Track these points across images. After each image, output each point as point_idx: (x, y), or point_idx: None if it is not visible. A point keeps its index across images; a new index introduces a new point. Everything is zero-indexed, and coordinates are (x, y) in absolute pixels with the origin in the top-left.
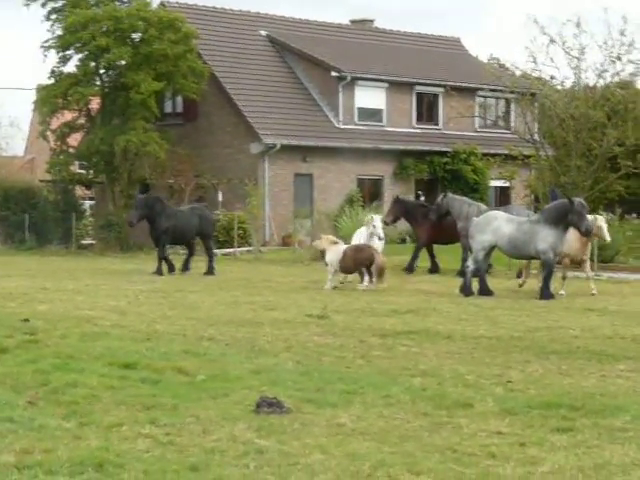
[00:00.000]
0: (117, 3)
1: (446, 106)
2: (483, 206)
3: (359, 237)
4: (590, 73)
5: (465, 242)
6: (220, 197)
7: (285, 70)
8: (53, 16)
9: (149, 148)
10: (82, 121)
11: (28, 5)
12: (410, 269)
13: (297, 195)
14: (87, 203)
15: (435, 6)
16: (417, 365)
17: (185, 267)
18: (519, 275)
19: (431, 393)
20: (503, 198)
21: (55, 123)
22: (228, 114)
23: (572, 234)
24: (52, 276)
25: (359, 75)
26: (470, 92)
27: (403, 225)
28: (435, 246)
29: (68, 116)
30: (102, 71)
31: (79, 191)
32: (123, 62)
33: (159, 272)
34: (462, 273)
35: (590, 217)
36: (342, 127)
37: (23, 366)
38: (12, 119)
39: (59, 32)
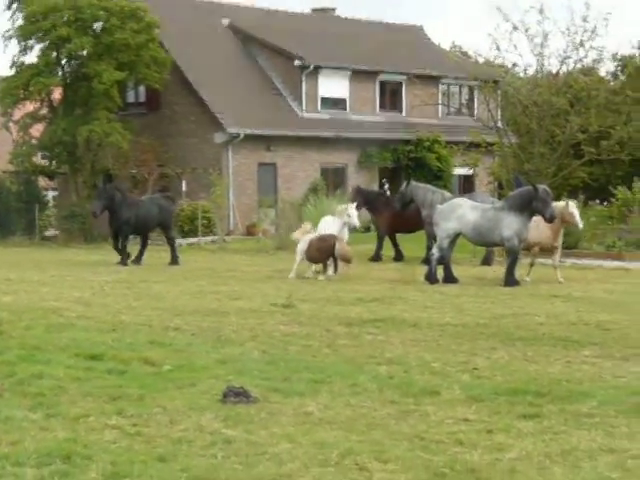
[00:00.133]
0: None
1: (409, 94)
2: (447, 194)
3: (325, 226)
4: (553, 60)
5: (430, 230)
6: (184, 187)
7: (248, 59)
8: (14, 5)
9: (112, 138)
10: (44, 112)
11: None
12: (377, 258)
13: (261, 184)
14: (50, 194)
15: None
16: (383, 353)
17: (139, 259)
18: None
19: (398, 381)
20: (467, 185)
21: (17, 114)
22: (191, 104)
23: (543, 222)
24: (16, 267)
25: (322, 64)
26: (433, 80)
27: (364, 215)
28: (398, 235)
29: (30, 107)
30: (64, 61)
31: (42, 182)
32: (85, 52)
33: (124, 263)
34: (427, 261)
35: (562, 203)
36: (305, 116)
37: None
38: None
39: (20, 22)
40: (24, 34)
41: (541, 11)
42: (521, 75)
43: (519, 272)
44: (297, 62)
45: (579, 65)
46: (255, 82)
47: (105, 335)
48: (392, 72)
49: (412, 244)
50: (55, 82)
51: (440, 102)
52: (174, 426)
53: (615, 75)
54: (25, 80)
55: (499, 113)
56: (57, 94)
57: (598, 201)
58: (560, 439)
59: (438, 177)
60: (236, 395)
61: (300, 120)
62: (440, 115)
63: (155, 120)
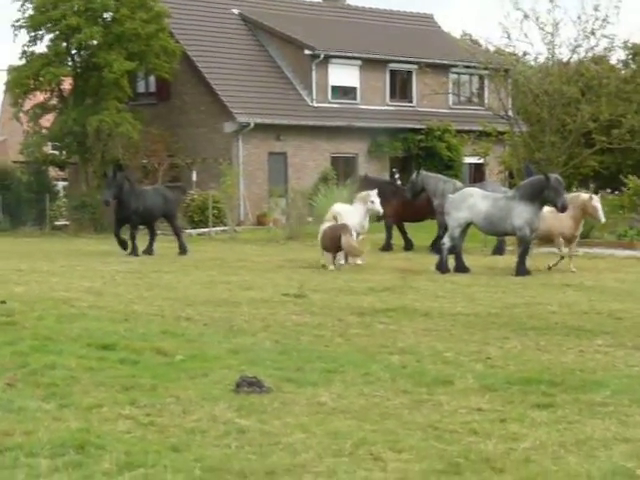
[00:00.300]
0: None
1: (420, 83)
2: (458, 183)
3: (348, 214)
4: (564, 48)
5: (441, 219)
6: (194, 177)
7: (258, 49)
8: None
9: (122, 128)
10: (54, 102)
11: None
12: (388, 247)
13: (271, 174)
14: (60, 184)
15: None
16: (395, 343)
17: (150, 249)
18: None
19: (410, 370)
20: (477, 175)
21: (27, 104)
22: (201, 93)
23: (567, 214)
24: (27, 258)
25: (332, 53)
26: (444, 69)
27: None
28: (407, 223)
29: (40, 97)
30: (74, 51)
31: (52, 172)
32: (95, 42)
33: (134, 253)
34: (435, 249)
35: (586, 196)
36: (316, 105)
37: (1, 348)
38: None
39: (30, 12)
40: (34, 24)
41: (552, 0)
42: (532, 64)
43: (571, 264)
44: (307, 51)
45: (590, 54)
46: (265, 71)
47: (117, 325)
48: (402, 61)
49: (422, 233)
50: (65, 72)
51: (450, 91)
52: (187, 416)
53: (626, 63)
54: (35, 70)
55: (510, 102)
56: (67, 84)
57: (609, 190)
58: (574, 428)
59: (449, 166)
60: (249, 385)
61: (310, 109)
62: (451, 104)
63: (165, 110)
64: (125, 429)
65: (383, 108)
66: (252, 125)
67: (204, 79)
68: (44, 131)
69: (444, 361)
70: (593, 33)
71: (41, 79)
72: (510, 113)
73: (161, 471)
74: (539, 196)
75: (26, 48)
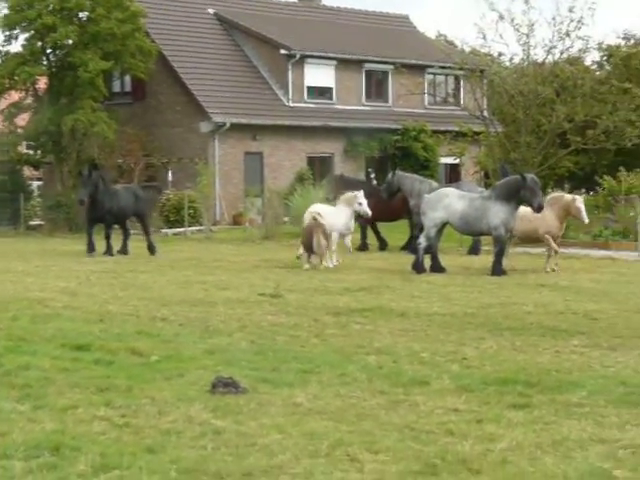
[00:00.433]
0: None
1: (395, 83)
2: (434, 183)
3: (334, 216)
4: (539, 49)
5: (417, 219)
6: (170, 176)
7: (234, 48)
8: None
9: (97, 128)
10: (29, 101)
11: None
12: (363, 247)
13: (247, 174)
14: (35, 184)
15: None
16: (372, 343)
17: (125, 249)
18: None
19: (387, 371)
20: (453, 175)
21: (3, 104)
22: (177, 93)
23: (551, 212)
24: (1, 257)
25: (308, 53)
26: (419, 69)
27: None
28: (381, 223)
29: (15, 96)
30: (49, 50)
31: (27, 172)
32: (70, 41)
33: (109, 252)
34: (409, 249)
35: (569, 196)
36: (292, 105)
37: None
38: None
39: (5, 11)
40: (9, 23)
41: (527, 1)
42: (507, 64)
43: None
44: (283, 51)
45: (565, 55)
46: (241, 71)
47: (92, 325)
48: (378, 61)
49: (396, 233)
50: (40, 71)
51: (426, 91)
52: (163, 417)
53: (601, 65)
54: (10, 69)
55: (485, 102)
56: (42, 83)
57: (584, 190)
58: (551, 429)
59: (424, 166)
60: (225, 385)
61: (286, 109)
62: (426, 104)
63: (141, 110)
64: (100, 430)
65: (359, 108)
66: (228, 125)
67: (180, 79)
68: (19, 130)
69: (420, 361)
70: (568, 34)
71: (16, 78)
72: (486, 113)
73: (136, 473)
74: (515, 196)
75: (1, 47)
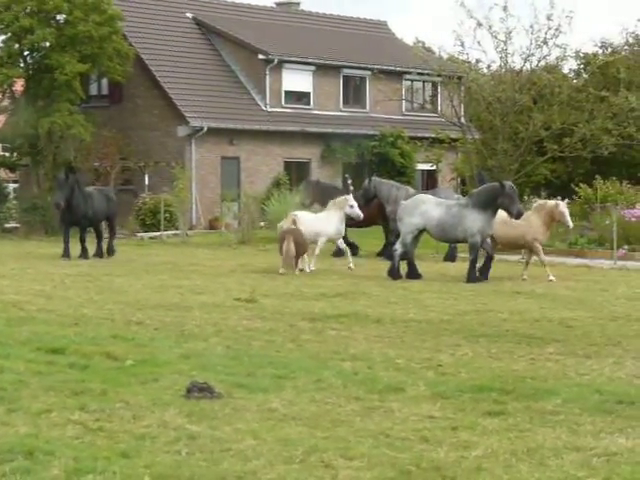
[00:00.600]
0: None
1: (373, 89)
2: (411, 189)
3: (325, 222)
4: (517, 57)
5: (394, 226)
6: (147, 180)
7: (211, 53)
8: None
9: (74, 130)
10: (6, 103)
11: None
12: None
13: (224, 178)
14: (11, 186)
15: None
16: (347, 349)
17: (103, 251)
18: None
19: (362, 377)
20: (430, 181)
21: None
22: (154, 97)
23: (538, 220)
24: None
25: (286, 58)
26: (397, 75)
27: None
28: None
29: None
30: (26, 53)
31: (3, 174)
32: (47, 44)
33: (84, 256)
34: (385, 255)
35: (552, 202)
36: (269, 110)
37: None
38: None
39: None
40: None
41: (505, 8)
42: (485, 71)
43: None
44: (261, 56)
45: (542, 62)
46: (219, 76)
47: (67, 329)
48: (356, 67)
49: (370, 239)
50: (17, 74)
51: (404, 98)
52: (137, 422)
53: (578, 73)
54: None
55: (463, 109)
56: (19, 86)
57: (560, 198)
58: (525, 437)
59: (401, 173)
60: (200, 390)
61: (264, 114)
62: (404, 110)
63: (118, 113)
64: (74, 434)
65: (336, 114)
66: (205, 129)
67: (157, 82)
68: None
69: (396, 368)
70: (546, 42)
71: None
72: (463, 120)
73: (110, 477)
74: (493, 203)
75: None
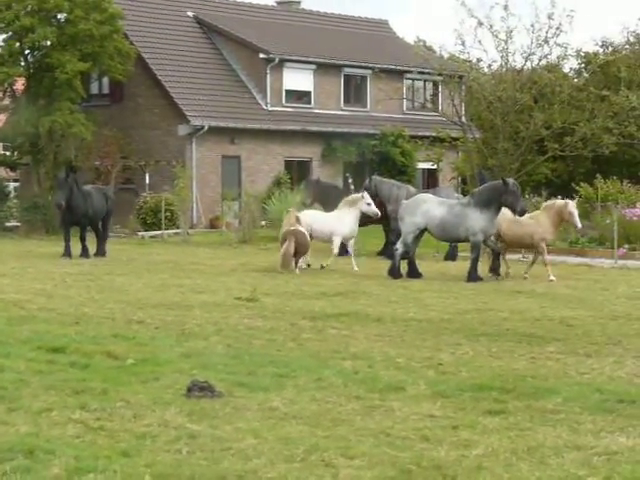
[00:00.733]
0: None
1: (374, 88)
2: (412, 188)
3: (340, 221)
4: (517, 56)
5: (395, 225)
6: (147, 179)
7: (213, 52)
8: None
9: (75, 129)
10: (7, 102)
11: None
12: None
13: (225, 177)
14: (12, 185)
15: None
16: (348, 348)
17: (101, 251)
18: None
19: (363, 376)
20: (431, 180)
21: None
22: (155, 95)
23: (546, 218)
24: None
25: (287, 57)
26: (398, 74)
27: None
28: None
29: None
30: (27, 51)
31: (3, 173)
32: (48, 42)
33: (85, 255)
34: (386, 254)
35: (562, 202)
36: (270, 109)
37: None
38: None
39: None
40: None
41: (506, 7)
42: (485, 71)
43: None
44: (262, 55)
45: (543, 61)
46: (220, 75)
47: (67, 328)
48: (357, 66)
49: (372, 238)
50: (18, 72)
51: (405, 97)
52: (138, 421)
53: (579, 72)
54: None
55: (463, 108)
56: (20, 85)
57: (561, 197)
58: (526, 436)
59: (402, 172)
60: (200, 389)
61: (265, 113)
62: (405, 110)
63: (118, 112)
64: (75, 433)
65: (337, 113)
66: (206, 128)
67: (158, 81)
68: None
69: (396, 367)
70: (547, 41)
71: None
72: (464, 119)
73: (111, 476)
74: (496, 202)
75: None
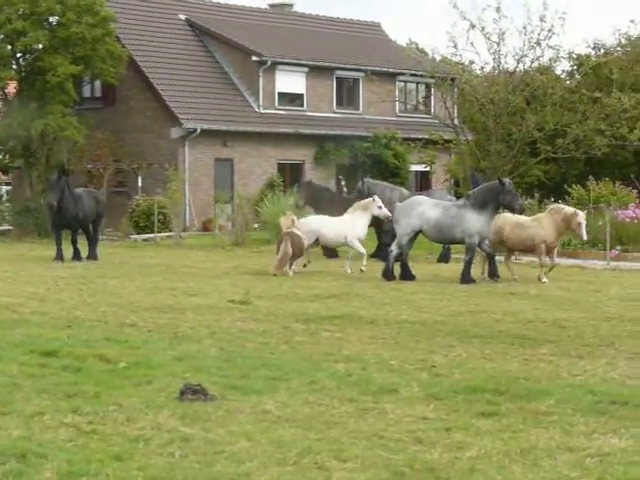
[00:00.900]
0: None
1: (366, 91)
2: (405, 191)
3: (352, 225)
4: (510, 58)
5: (388, 227)
6: (140, 182)
7: (205, 54)
8: None
9: (67, 132)
10: None
11: None
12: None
13: (218, 180)
14: (4, 188)
15: None
16: (341, 350)
17: (93, 254)
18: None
19: (356, 379)
20: (424, 183)
21: None
22: (147, 99)
23: (550, 222)
24: None
25: (279, 60)
26: (390, 77)
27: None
28: None
29: None
30: (19, 55)
31: None
32: (40, 45)
33: (77, 258)
34: (379, 256)
35: (571, 210)
36: (262, 112)
37: None
38: None
39: None
40: None
41: (498, 10)
42: (478, 73)
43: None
44: (254, 57)
45: (535, 64)
46: (212, 77)
47: (60, 331)
48: (349, 69)
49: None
50: (10, 75)
51: (397, 99)
52: (131, 424)
53: (571, 74)
54: None
55: (456, 110)
56: (12, 88)
57: (553, 199)
58: (519, 437)
59: (395, 174)
60: (193, 393)
61: (257, 116)
62: (397, 112)
63: (111, 115)
64: (67, 437)
65: (330, 115)
66: (198, 131)
67: (150, 84)
68: None
69: (390, 369)
70: (539, 43)
71: None
72: (456, 122)
73: None
74: (492, 203)
75: None
